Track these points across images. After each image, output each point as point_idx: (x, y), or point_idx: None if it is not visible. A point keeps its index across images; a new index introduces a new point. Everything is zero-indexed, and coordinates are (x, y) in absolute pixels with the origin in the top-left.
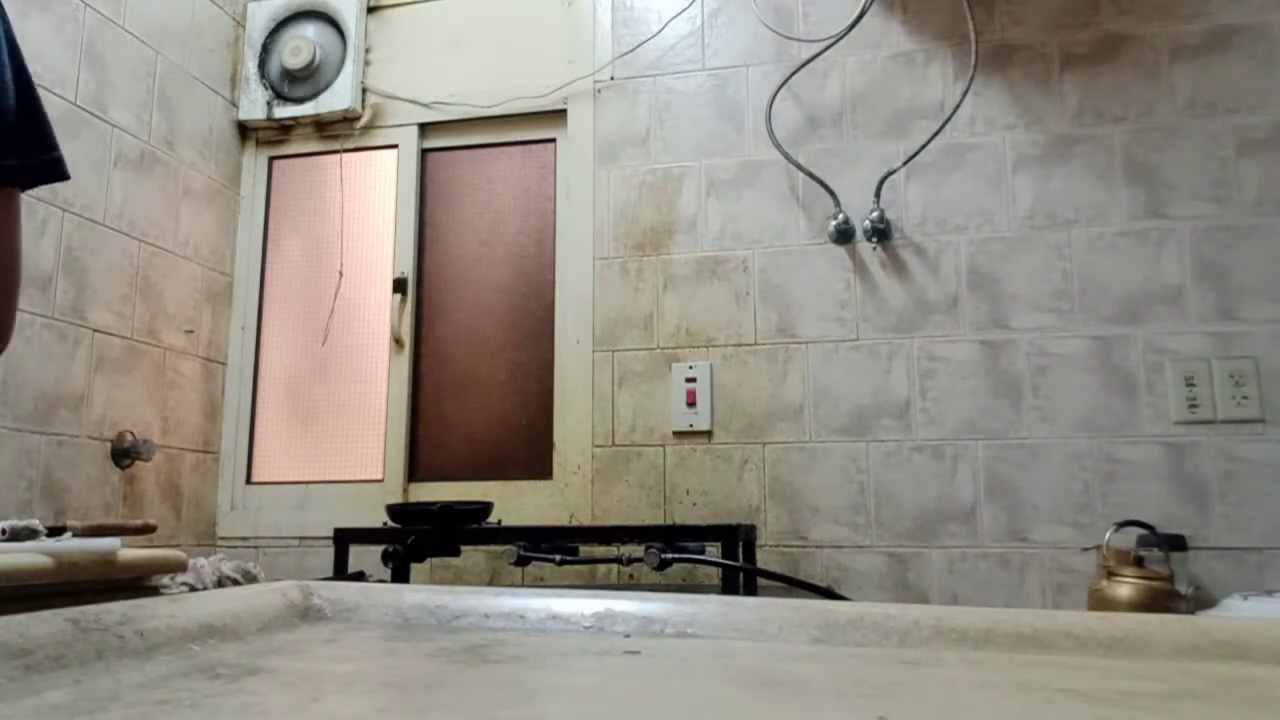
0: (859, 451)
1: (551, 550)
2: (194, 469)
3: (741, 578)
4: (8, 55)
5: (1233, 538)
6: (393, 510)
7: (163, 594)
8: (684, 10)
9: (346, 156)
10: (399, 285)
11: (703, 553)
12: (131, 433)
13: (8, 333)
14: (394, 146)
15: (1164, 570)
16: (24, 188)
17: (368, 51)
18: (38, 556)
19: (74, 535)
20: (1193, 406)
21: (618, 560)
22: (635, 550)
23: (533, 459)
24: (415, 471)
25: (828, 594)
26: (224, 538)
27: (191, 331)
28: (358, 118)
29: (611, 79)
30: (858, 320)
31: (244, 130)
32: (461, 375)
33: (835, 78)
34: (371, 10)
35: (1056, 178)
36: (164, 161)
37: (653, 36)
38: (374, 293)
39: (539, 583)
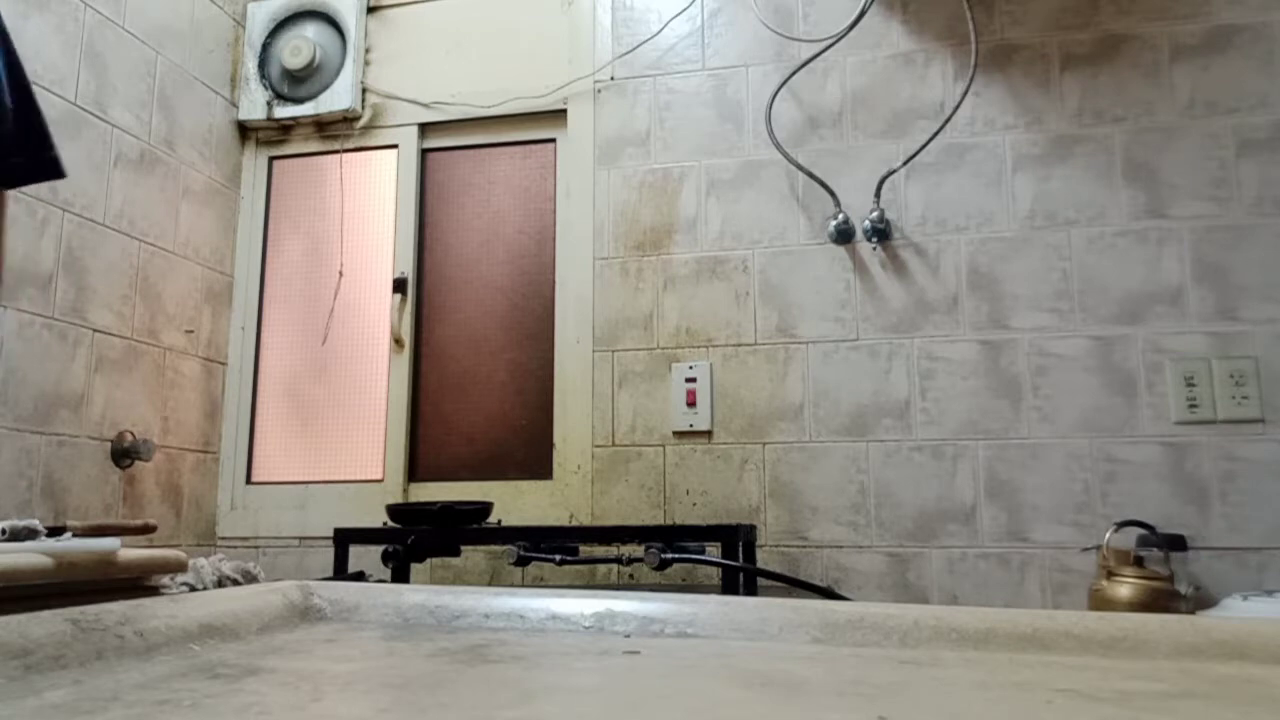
0: (859, 451)
1: (551, 550)
2: (194, 469)
3: (741, 578)
4: (2, 57)
5: (1233, 538)
6: (393, 510)
7: (163, 594)
8: (684, 10)
9: (346, 156)
10: (399, 285)
11: (703, 553)
12: (131, 433)
13: None
14: (394, 146)
15: (1164, 570)
16: (24, 185)
17: (368, 51)
18: (38, 556)
19: (74, 535)
20: (1193, 406)
21: (618, 560)
22: (635, 550)
23: (532, 459)
24: (415, 471)
25: (828, 594)
26: (224, 538)
27: (191, 331)
28: (358, 118)
29: (611, 79)
30: (858, 320)
31: (244, 130)
32: (461, 375)
33: (835, 78)
34: (371, 10)
35: (1056, 178)
36: (164, 161)
37: (653, 36)
38: (374, 293)
39: (539, 583)
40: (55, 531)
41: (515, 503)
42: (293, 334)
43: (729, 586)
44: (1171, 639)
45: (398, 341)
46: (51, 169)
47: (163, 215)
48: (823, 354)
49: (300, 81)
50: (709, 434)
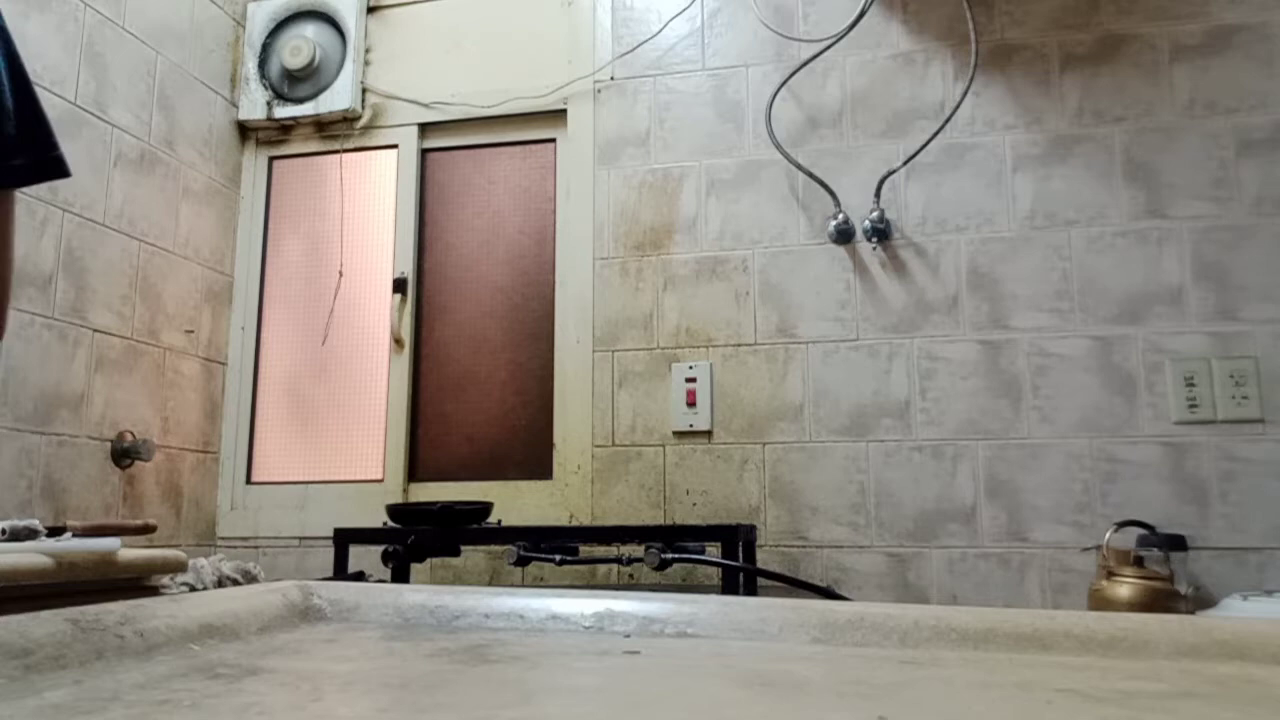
0: (859, 451)
1: (551, 550)
2: (194, 469)
3: (741, 578)
4: (3, 57)
5: (1233, 538)
6: (393, 510)
7: (163, 594)
8: (684, 10)
9: (346, 156)
10: (399, 285)
11: (703, 553)
12: (131, 433)
13: (3, 324)
14: (394, 146)
15: (1164, 570)
16: (27, 185)
17: (368, 51)
18: (38, 556)
19: (74, 535)
20: (1193, 406)
21: (618, 560)
22: (635, 550)
23: (532, 459)
24: (415, 471)
25: (828, 594)
26: (224, 538)
27: (191, 331)
28: (358, 118)
29: (611, 79)
30: (858, 320)
31: (244, 130)
32: (461, 375)
33: (835, 78)
34: (371, 10)
35: (1056, 178)
36: (164, 161)
37: (652, 36)
38: (374, 293)
39: (539, 583)
40: (55, 531)
41: (515, 503)
42: (293, 334)
43: (729, 586)
44: (1171, 639)
45: (398, 341)
46: (55, 169)
47: (163, 215)
48: (823, 354)
49: (300, 81)
50: (709, 434)
